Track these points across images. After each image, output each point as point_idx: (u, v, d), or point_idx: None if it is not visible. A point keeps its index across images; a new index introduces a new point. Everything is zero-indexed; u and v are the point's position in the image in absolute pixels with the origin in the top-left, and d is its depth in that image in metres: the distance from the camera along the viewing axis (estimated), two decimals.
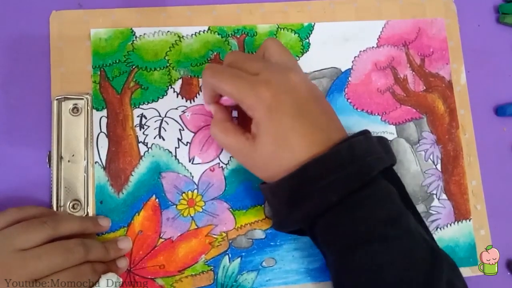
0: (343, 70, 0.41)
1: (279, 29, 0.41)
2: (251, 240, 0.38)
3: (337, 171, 0.29)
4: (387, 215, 0.30)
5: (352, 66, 0.42)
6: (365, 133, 0.32)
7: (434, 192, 0.41)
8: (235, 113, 0.38)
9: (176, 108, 0.39)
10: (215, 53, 0.40)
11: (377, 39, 0.42)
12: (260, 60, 0.34)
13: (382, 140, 0.33)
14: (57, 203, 0.36)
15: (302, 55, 0.41)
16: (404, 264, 0.29)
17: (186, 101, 0.39)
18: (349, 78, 0.41)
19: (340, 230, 0.30)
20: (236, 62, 0.33)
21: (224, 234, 0.38)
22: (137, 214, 0.37)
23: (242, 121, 0.37)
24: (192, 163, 0.38)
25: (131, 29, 0.39)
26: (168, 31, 0.40)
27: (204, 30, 0.40)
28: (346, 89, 0.41)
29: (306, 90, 0.32)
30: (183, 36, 0.40)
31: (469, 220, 0.41)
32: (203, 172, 0.38)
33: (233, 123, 0.34)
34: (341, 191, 0.29)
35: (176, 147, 0.38)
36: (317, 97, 0.33)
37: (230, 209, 0.38)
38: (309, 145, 0.30)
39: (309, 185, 0.30)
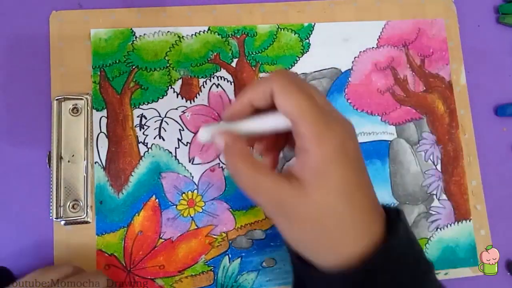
0: (343, 70, 0.41)
1: (279, 29, 0.41)
2: (251, 240, 0.38)
3: (400, 265, 0.24)
4: None
5: (352, 67, 0.42)
6: (392, 208, 0.28)
7: (434, 192, 0.41)
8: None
9: (176, 109, 0.39)
10: (215, 53, 0.40)
11: (377, 39, 0.42)
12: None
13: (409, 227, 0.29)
14: (57, 203, 0.36)
15: (302, 55, 0.41)
16: None
17: (186, 101, 0.39)
18: (349, 79, 0.41)
19: None
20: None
21: (224, 235, 0.38)
22: (137, 214, 0.37)
23: None
24: (192, 163, 0.38)
25: (131, 29, 0.39)
26: (168, 31, 0.40)
27: (204, 30, 0.40)
28: (346, 90, 0.41)
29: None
30: (183, 36, 0.40)
31: (469, 221, 0.41)
32: (203, 173, 0.38)
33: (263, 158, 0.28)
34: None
35: (176, 147, 0.38)
36: None
37: (230, 210, 0.38)
38: (378, 218, 0.25)
39: (374, 280, 0.23)
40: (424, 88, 0.42)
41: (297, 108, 0.24)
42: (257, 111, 0.28)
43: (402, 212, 0.27)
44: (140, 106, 0.38)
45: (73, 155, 0.37)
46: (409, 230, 0.26)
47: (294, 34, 0.41)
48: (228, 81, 0.40)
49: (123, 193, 0.37)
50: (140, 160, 0.38)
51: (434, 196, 0.41)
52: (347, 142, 0.24)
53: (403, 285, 0.24)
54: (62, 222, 0.36)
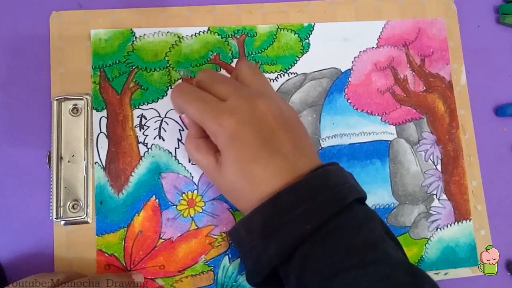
0: (343, 70, 0.41)
1: (279, 29, 0.41)
2: None
3: (310, 199, 0.29)
4: (363, 242, 0.29)
5: (352, 67, 0.42)
6: (336, 164, 0.32)
7: (434, 192, 0.41)
8: None
9: None
10: (215, 54, 0.40)
11: (377, 39, 0.42)
12: (230, 84, 0.33)
13: (352, 175, 0.33)
14: (57, 203, 0.36)
15: (302, 55, 0.41)
16: None
17: None
18: (349, 79, 0.41)
19: (316, 260, 0.28)
20: (206, 83, 0.33)
21: (224, 235, 0.38)
22: (137, 214, 0.37)
23: None
24: (192, 164, 0.38)
25: (131, 29, 0.39)
26: (168, 32, 0.40)
27: (204, 31, 0.40)
28: (346, 90, 0.41)
29: (273, 118, 0.31)
30: (183, 36, 0.40)
31: (469, 221, 0.41)
32: (203, 173, 0.38)
33: (206, 140, 0.33)
34: (316, 219, 0.28)
35: (176, 148, 0.38)
36: (286, 124, 0.32)
37: (230, 210, 0.38)
38: (273, 176, 0.30)
39: (283, 214, 0.29)
40: (424, 88, 0.42)
41: (194, 117, 0.32)
42: None
43: (331, 165, 0.32)
44: (140, 107, 0.38)
45: (73, 155, 0.37)
46: (331, 173, 0.31)
47: (294, 34, 0.41)
48: None
49: (123, 193, 0.37)
50: (140, 160, 0.38)
51: (434, 196, 0.41)
52: (241, 129, 0.30)
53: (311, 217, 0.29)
54: (62, 222, 0.36)
